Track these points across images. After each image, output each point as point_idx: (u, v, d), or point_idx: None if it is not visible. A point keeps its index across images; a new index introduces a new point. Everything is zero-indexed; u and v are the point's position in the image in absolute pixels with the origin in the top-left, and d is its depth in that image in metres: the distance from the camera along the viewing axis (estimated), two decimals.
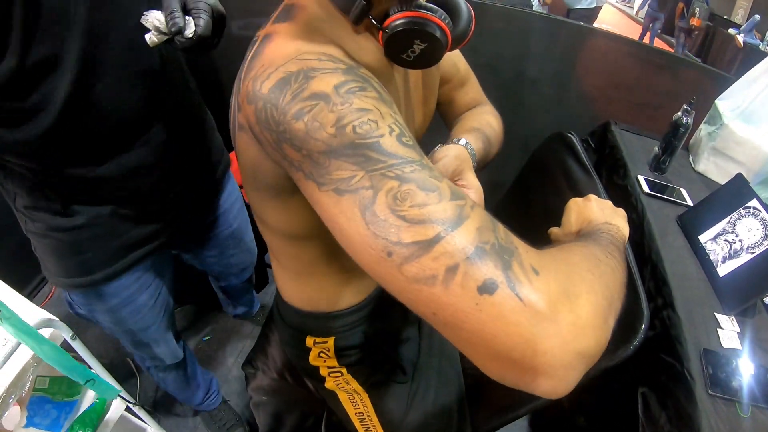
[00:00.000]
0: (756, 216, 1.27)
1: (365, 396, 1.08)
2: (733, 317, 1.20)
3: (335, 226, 0.53)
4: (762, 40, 8.81)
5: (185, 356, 1.63)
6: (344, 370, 1.06)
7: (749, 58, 7.36)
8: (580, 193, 0.91)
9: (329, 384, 1.09)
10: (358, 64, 0.60)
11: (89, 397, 1.42)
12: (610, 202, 0.86)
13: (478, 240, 0.45)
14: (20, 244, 1.25)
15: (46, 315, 1.10)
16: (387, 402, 1.09)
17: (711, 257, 1.30)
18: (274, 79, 0.56)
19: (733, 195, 1.36)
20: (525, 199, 1.49)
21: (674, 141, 1.55)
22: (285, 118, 0.54)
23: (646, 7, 10.11)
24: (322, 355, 1.05)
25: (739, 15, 10.61)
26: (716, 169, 1.68)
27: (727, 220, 1.32)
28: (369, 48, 0.71)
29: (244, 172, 0.71)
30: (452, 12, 0.74)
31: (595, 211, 0.82)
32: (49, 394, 1.39)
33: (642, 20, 10.79)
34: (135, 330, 1.36)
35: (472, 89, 1.09)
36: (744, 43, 8.69)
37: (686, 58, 1.98)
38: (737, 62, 8.48)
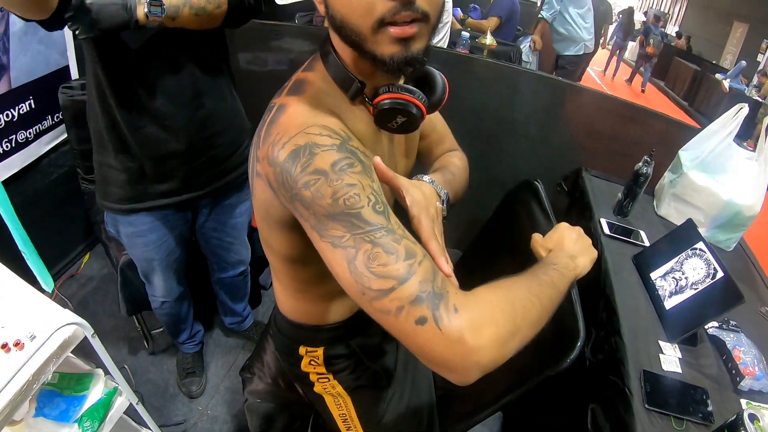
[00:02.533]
0: (701, 257, 1.44)
1: (348, 399, 1.22)
2: (676, 345, 1.35)
3: (330, 266, 0.74)
4: (747, 85, 9.03)
5: (181, 305, 2.05)
6: (331, 376, 1.21)
7: (734, 102, 7.53)
8: (542, 233, 1.08)
9: (317, 388, 1.23)
10: (349, 136, 0.79)
11: (97, 392, 1.51)
12: (589, 241, 1.02)
13: (419, 290, 0.67)
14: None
15: (72, 315, 1.25)
16: (367, 405, 1.24)
17: (659, 292, 1.46)
18: (287, 150, 0.75)
19: (683, 237, 1.52)
20: (496, 234, 1.64)
21: (635, 188, 1.72)
22: (297, 185, 0.73)
23: (614, 38, 10.95)
24: (312, 362, 1.20)
25: (727, 60, 10.86)
26: (676, 214, 1.84)
27: (676, 259, 1.48)
28: (362, 117, 0.90)
29: (257, 207, 0.90)
30: (430, 85, 0.95)
31: (571, 240, 1.00)
32: (57, 389, 1.48)
33: (633, 61, 11.41)
34: (143, 258, 1.77)
35: (448, 142, 1.29)
36: (730, 87, 8.91)
37: (655, 111, 2.14)
38: (722, 106, 8.65)
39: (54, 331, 1.19)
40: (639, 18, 12.81)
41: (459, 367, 0.67)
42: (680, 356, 1.33)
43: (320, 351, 1.18)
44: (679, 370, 1.29)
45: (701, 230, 1.59)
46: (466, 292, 0.71)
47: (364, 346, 1.21)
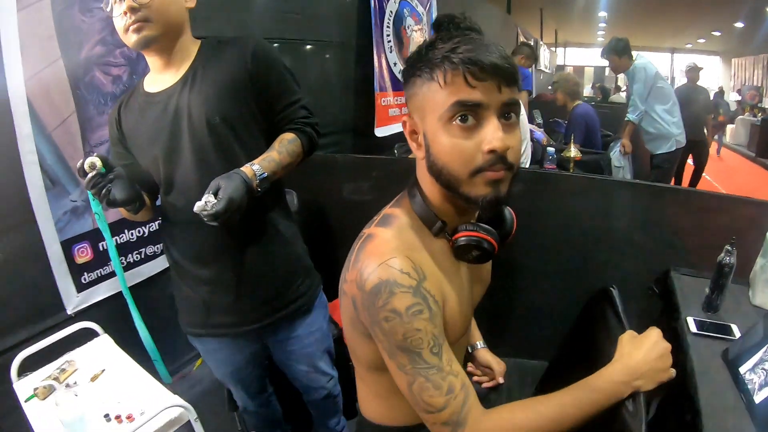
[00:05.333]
0: None
1: None
2: None
3: (395, 378, 1.01)
4: None
5: (263, 412, 2.11)
6: None
7: None
8: (611, 339, 1.14)
9: None
10: (424, 275, 0.99)
11: None
12: (667, 364, 1.07)
13: (447, 419, 0.96)
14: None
15: (179, 399, 1.46)
16: None
17: (749, 386, 1.37)
18: (372, 282, 0.96)
19: None
20: (575, 345, 1.67)
21: (721, 280, 1.67)
22: (377, 317, 0.96)
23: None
24: None
25: None
26: None
27: (765, 348, 1.39)
28: (443, 248, 1.09)
29: (344, 319, 1.11)
30: (501, 219, 1.17)
31: (646, 357, 1.05)
32: None
33: None
34: (215, 372, 1.91)
35: None
36: None
37: (741, 196, 2.08)
38: None
39: (162, 409, 1.40)
40: (734, 97, 12.49)
41: None
42: None
43: None
44: None
45: None
46: (483, 419, 0.98)
47: None
